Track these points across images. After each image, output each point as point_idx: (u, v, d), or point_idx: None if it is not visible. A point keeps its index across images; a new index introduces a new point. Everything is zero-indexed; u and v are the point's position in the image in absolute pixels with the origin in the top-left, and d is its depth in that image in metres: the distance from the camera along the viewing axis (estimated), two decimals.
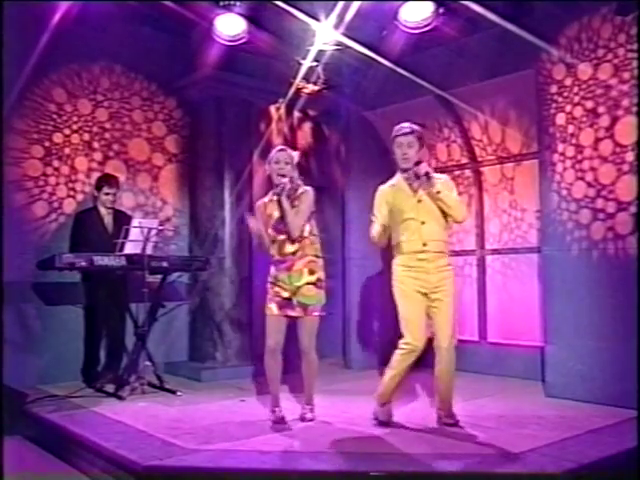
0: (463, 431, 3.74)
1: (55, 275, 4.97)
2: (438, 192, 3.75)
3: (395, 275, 3.85)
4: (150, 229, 4.94)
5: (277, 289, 3.93)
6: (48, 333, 5.26)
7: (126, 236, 4.83)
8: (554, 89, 4.73)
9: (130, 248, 4.86)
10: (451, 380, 3.87)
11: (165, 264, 5.12)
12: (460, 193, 6.03)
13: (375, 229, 3.89)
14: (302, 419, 3.99)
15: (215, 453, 3.40)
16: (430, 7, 4.88)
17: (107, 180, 5.32)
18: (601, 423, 3.85)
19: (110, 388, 4.89)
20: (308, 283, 3.89)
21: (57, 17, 4.93)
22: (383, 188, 3.94)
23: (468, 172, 6.04)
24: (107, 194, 5.24)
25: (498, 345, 5.68)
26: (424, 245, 3.75)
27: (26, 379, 4.92)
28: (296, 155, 4.08)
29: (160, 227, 5.24)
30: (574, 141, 4.60)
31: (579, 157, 4.57)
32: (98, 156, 5.71)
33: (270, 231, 3.97)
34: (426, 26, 4.95)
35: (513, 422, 3.95)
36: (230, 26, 5.15)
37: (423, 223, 3.77)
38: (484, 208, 5.92)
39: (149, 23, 5.71)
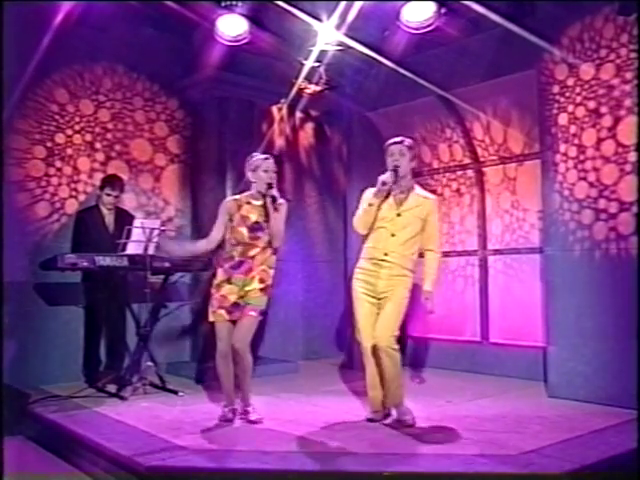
0: (464, 431, 3.74)
1: (57, 275, 4.97)
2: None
3: (354, 277, 4.01)
4: (152, 229, 4.95)
5: (224, 292, 3.96)
6: (50, 333, 5.27)
7: (128, 236, 4.84)
8: (556, 89, 4.72)
9: (132, 248, 4.87)
10: (394, 380, 3.88)
11: (167, 264, 5.12)
12: (462, 193, 6.06)
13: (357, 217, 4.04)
14: (248, 421, 3.99)
15: (217, 453, 3.41)
16: (432, 7, 4.87)
17: (111, 182, 5.31)
18: (603, 424, 3.84)
19: (112, 388, 4.89)
20: (256, 289, 3.96)
21: (59, 18, 4.95)
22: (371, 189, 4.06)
23: (470, 172, 6.02)
24: (109, 195, 5.25)
25: (500, 345, 5.66)
26: (385, 255, 3.89)
27: (29, 379, 4.93)
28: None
29: (162, 227, 5.24)
30: (576, 141, 4.59)
31: (581, 157, 4.56)
32: (100, 157, 5.72)
33: (243, 231, 3.99)
34: (428, 26, 4.95)
35: (515, 422, 3.95)
36: (232, 26, 5.16)
37: (393, 235, 3.89)
38: (486, 208, 5.90)
39: (151, 24, 5.72)
